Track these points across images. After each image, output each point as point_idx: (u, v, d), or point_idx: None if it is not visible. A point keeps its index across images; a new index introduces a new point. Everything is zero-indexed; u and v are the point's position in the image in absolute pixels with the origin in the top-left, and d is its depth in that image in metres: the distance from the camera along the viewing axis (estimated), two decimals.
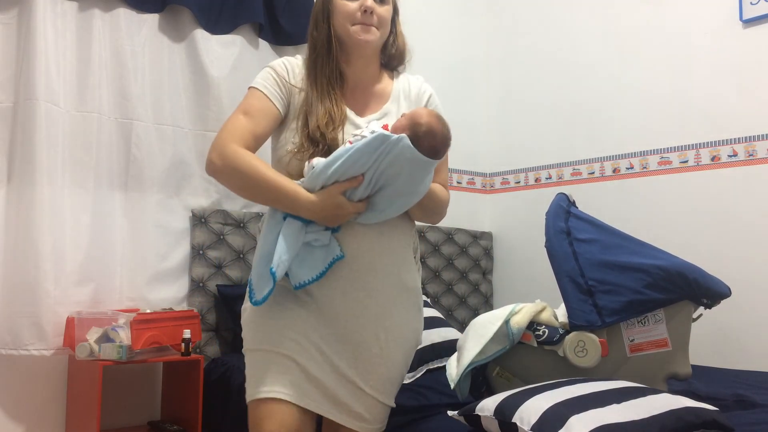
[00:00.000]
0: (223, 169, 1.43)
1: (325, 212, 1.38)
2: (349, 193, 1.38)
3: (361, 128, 1.45)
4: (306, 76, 1.53)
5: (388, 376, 1.48)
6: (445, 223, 3.42)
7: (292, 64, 1.55)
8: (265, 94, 1.49)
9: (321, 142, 1.44)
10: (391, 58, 1.64)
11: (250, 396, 1.42)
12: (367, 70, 1.58)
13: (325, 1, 1.55)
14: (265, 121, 1.48)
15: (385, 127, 1.44)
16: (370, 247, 1.44)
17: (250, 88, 1.53)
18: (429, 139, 1.40)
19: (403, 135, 1.36)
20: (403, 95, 1.61)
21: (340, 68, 1.55)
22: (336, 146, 1.43)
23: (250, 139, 1.45)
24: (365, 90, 1.58)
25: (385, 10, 1.54)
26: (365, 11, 1.49)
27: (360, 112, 1.54)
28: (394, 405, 1.51)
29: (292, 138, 1.48)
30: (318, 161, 1.39)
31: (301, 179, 1.41)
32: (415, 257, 1.58)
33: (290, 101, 1.52)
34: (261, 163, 1.42)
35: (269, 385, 1.38)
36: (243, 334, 1.49)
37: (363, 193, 1.39)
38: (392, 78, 1.64)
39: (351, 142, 1.38)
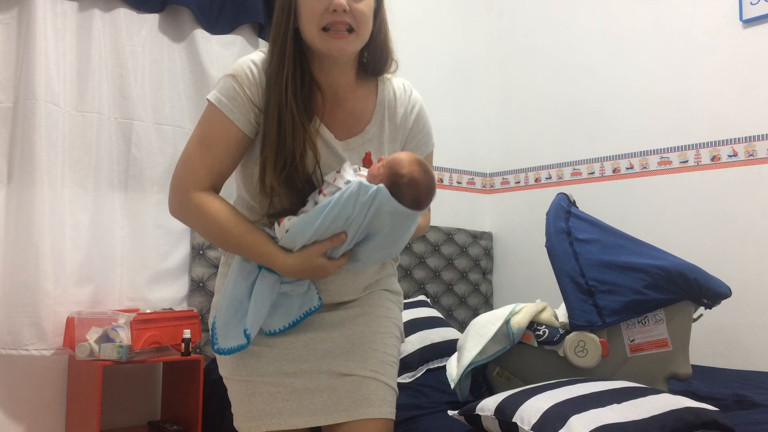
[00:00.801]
0: (187, 220, 1.31)
1: (303, 275, 1.27)
2: (331, 251, 1.26)
3: (334, 173, 1.29)
4: (266, 93, 1.28)
5: (387, 360, 1.38)
6: (445, 223, 3.45)
7: (261, 72, 1.29)
8: (230, 119, 1.27)
9: (293, 191, 1.27)
10: (372, 61, 1.39)
11: (240, 429, 1.34)
12: (344, 77, 1.35)
13: None
14: (230, 154, 1.29)
15: (367, 155, 1.31)
16: (352, 280, 1.36)
17: (210, 103, 1.29)
18: (412, 191, 1.24)
19: (381, 186, 1.22)
20: (388, 114, 1.39)
21: (313, 76, 1.31)
22: (311, 188, 1.29)
23: (215, 178, 1.28)
24: (344, 103, 1.36)
25: (364, 5, 1.26)
26: (334, 10, 1.22)
27: (339, 134, 1.34)
28: (396, 389, 1.40)
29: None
30: (291, 223, 1.25)
31: (273, 232, 1.28)
32: (395, 262, 1.52)
33: (260, 122, 1.30)
34: (229, 215, 1.26)
35: (258, 419, 1.30)
36: (218, 358, 1.39)
37: (346, 248, 1.27)
38: (375, 84, 1.41)
39: (325, 194, 1.25)
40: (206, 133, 1.28)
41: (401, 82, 1.44)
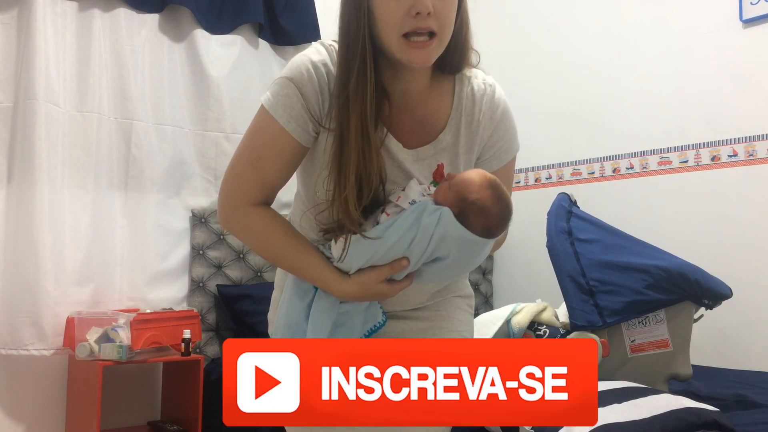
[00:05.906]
0: (236, 235, 1.22)
1: (362, 300, 1.16)
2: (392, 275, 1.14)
3: (399, 191, 1.15)
4: (338, 110, 1.11)
5: None
6: None
7: (327, 77, 1.12)
8: (286, 130, 1.11)
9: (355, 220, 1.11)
10: (451, 58, 1.21)
11: None
12: (419, 83, 1.18)
13: None
14: (284, 167, 1.16)
15: (439, 168, 1.18)
16: (417, 287, 1.20)
17: (263, 108, 1.13)
18: (481, 220, 1.09)
19: (445, 210, 1.09)
20: (465, 119, 1.22)
21: (382, 85, 1.14)
22: (374, 203, 1.15)
23: (267, 192, 1.17)
24: (414, 109, 1.19)
25: (449, 4, 1.09)
26: (418, 14, 1.05)
27: (408, 143, 1.17)
28: None
29: (323, 185, 1.13)
30: (347, 244, 1.12)
31: (328, 250, 1.16)
32: None
33: (319, 131, 1.15)
34: (281, 234, 1.16)
35: None
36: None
37: (409, 271, 1.14)
38: (452, 83, 1.23)
39: (388, 214, 1.12)
40: (258, 143, 1.15)
41: (482, 79, 1.26)
